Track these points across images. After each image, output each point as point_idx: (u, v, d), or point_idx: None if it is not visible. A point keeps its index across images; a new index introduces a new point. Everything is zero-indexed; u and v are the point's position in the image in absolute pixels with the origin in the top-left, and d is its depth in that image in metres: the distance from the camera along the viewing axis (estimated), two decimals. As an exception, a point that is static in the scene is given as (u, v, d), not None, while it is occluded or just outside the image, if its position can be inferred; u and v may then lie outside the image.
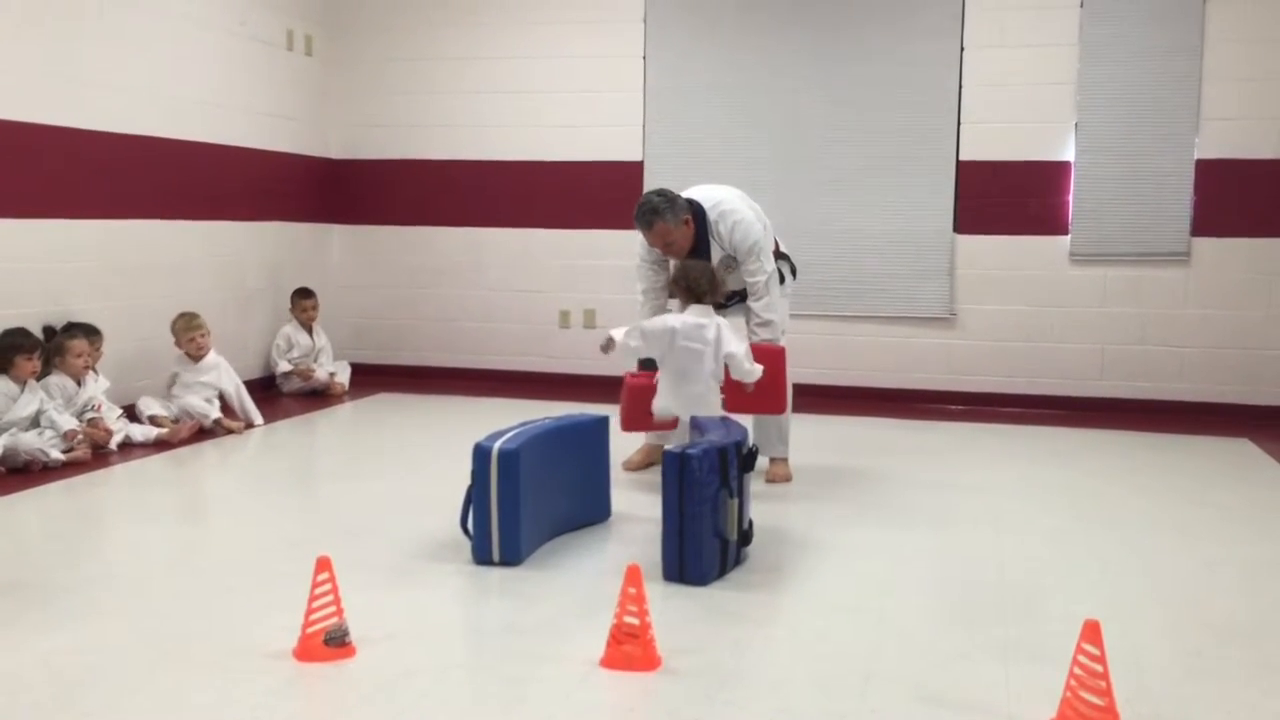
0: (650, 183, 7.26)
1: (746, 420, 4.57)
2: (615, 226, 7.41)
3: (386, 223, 8.01)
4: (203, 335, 6.05)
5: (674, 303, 4.52)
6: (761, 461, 4.66)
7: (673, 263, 4.87)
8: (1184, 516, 4.53)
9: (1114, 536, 4.21)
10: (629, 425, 4.67)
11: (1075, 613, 2.87)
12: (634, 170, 7.43)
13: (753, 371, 4.26)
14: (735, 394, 4.49)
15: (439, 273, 7.94)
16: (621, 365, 4.75)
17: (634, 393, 4.59)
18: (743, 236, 4.77)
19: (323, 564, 2.88)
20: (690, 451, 3.52)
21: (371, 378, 7.73)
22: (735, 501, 3.58)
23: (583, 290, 7.65)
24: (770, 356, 4.62)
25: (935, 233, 7.08)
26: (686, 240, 4.75)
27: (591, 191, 7.56)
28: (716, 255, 4.80)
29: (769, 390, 4.61)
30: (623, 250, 7.45)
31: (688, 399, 4.22)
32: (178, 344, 6.05)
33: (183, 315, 6.09)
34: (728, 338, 4.24)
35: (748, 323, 4.89)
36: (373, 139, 7.98)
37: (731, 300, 5.02)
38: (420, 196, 7.92)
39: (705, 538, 3.50)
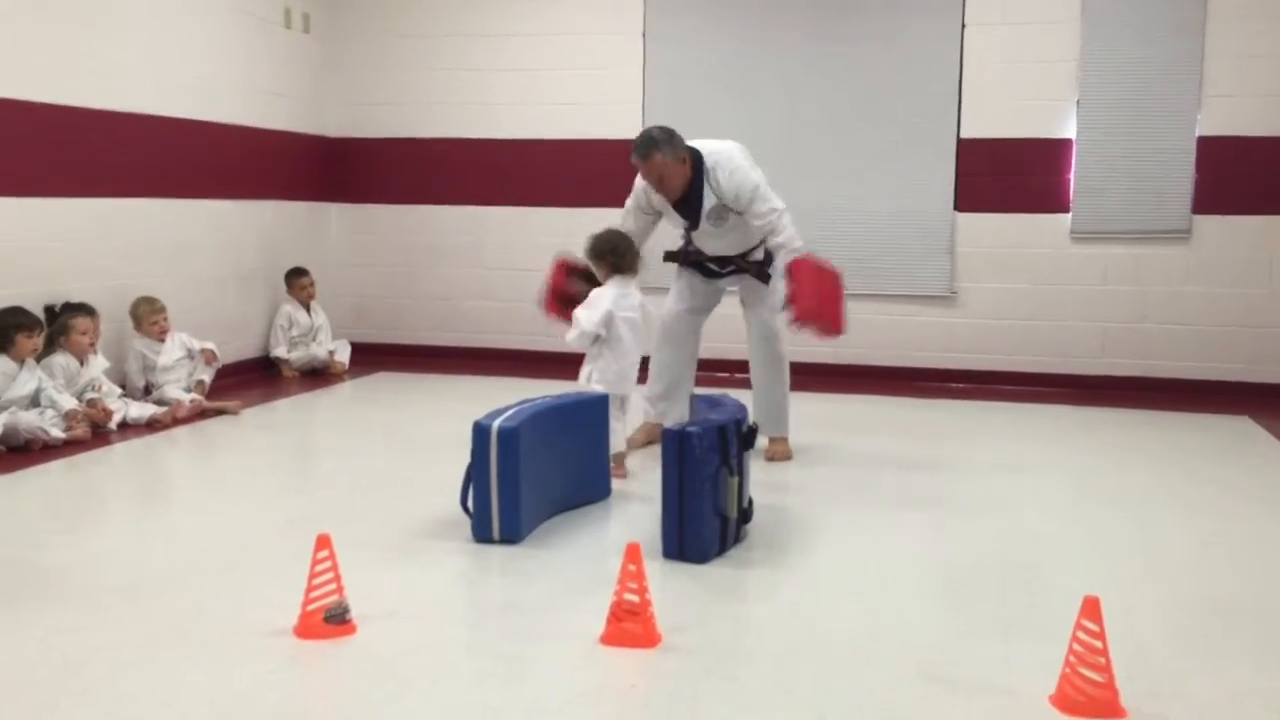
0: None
1: (745, 398, 4.57)
2: (615, 204, 7.30)
3: (385, 201, 7.99)
4: (165, 318, 5.99)
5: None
6: (760, 440, 4.65)
7: (664, 216, 4.93)
8: (1185, 493, 4.53)
9: (1114, 514, 4.21)
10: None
11: (1075, 589, 2.86)
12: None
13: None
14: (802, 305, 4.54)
15: (438, 251, 7.92)
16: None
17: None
18: (742, 180, 4.73)
19: (322, 542, 2.88)
20: (690, 429, 3.51)
21: (371, 356, 7.72)
22: (736, 479, 3.58)
23: (582, 269, 7.63)
24: (810, 271, 4.61)
25: (936, 211, 7.06)
26: (681, 180, 4.73)
27: (591, 169, 7.53)
28: (709, 203, 4.77)
29: (824, 303, 4.62)
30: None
31: (621, 375, 4.46)
32: (139, 328, 5.95)
33: (144, 299, 5.98)
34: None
35: (775, 259, 4.84)
36: (371, 117, 7.94)
37: (727, 268, 4.99)
38: (419, 175, 7.89)
39: (705, 516, 3.50)
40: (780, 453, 5.00)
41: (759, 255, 4.95)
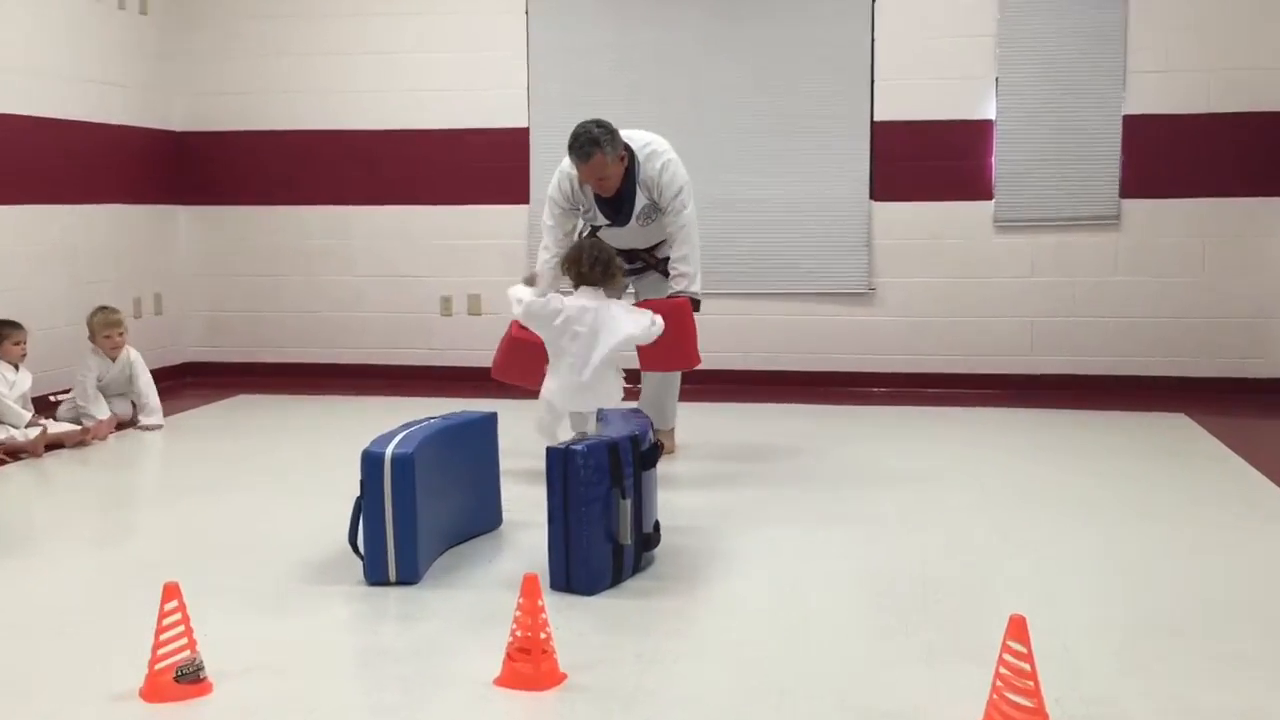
0: (538, 151, 7.24)
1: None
2: (501, 201, 7.38)
3: (241, 202, 7.86)
4: (120, 334, 6.18)
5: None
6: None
7: (588, 217, 5.00)
8: (1119, 500, 4.68)
9: (1044, 523, 4.34)
10: (499, 373, 4.92)
11: (1002, 607, 2.94)
12: (519, 137, 7.40)
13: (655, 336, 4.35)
14: (645, 353, 4.63)
15: (303, 258, 7.81)
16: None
17: (515, 344, 4.75)
18: (671, 177, 4.94)
19: (170, 591, 2.82)
20: (575, 448, 3.52)
21: (227, 379, 7.59)
22: (628, 503, 3.58)
23: (466, 274, 7.60)
24: (675, 310, 4.72)
25: (851, 201, 7.17)
26: (619, 177, 4.89)
27: (473, 162, 7.51)
28: (640, 203, 4.93)
29: (676, 344, 4.69)
30: (510, 228, 7.42)
31: (572, 390, 4.23)
32: (93, 339, 6.14)
33: (102, 309, 6.20)
34: (620, 319, 4.25)
35: (669, 274, 5.01)
36: (222, 108, 7.80)
37: (634, 264, 5.09)
38: (280, 172, 7.78)
39: (594, 543, 3.51)
40: (663, 448, 5.02)
41: (665, 251, 5.10)
